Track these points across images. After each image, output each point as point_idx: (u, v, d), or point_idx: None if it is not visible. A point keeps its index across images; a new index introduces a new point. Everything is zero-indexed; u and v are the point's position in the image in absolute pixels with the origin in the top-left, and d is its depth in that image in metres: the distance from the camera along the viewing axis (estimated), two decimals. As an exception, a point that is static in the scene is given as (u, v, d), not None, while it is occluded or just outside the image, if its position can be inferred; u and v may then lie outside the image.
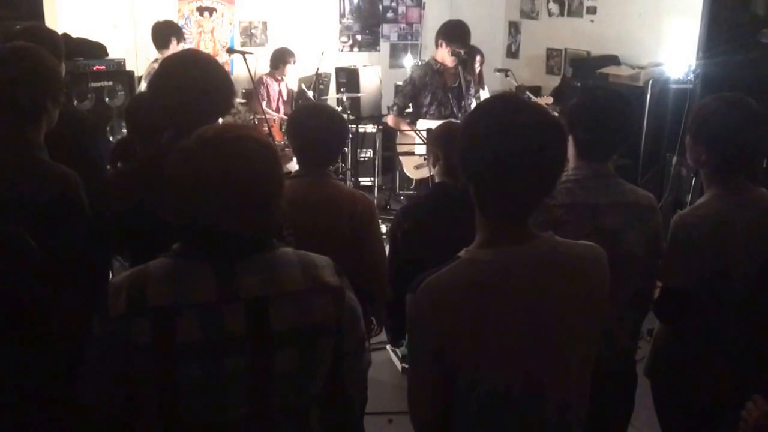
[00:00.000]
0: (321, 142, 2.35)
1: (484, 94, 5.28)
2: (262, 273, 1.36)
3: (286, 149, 5.62)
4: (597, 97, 2.12)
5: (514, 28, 7.74)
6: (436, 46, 4.32)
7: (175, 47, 5.02)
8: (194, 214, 1.32)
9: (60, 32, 5.26)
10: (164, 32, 5.17)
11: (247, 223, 1.34)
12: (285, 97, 6.28)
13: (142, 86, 5.17)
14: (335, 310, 1.40)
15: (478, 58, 5.18)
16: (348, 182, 5.64)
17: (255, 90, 5.31)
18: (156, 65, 4.97)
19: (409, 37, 7.70)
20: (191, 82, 1.97)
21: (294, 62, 6.14)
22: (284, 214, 1.45)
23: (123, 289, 1.34)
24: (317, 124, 2.36)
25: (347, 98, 6.11)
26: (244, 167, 1.31)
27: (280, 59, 6.08)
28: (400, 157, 4.63)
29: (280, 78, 6.17)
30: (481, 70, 5.25)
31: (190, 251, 1.37)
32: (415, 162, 4.51)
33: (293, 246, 1.47)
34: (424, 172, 4.47)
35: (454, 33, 4.22)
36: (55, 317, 1.69)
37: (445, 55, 4.26)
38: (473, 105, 4.47)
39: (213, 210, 1.30)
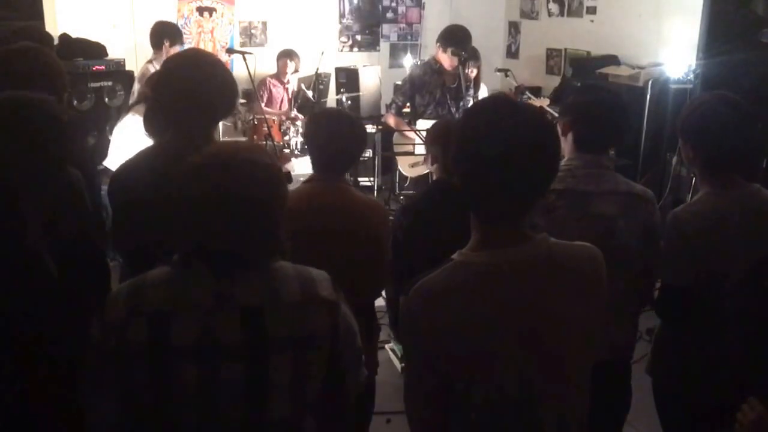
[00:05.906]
0: (341, 148, 2.35)
1: (482, 95, 5.26)
2: (260, 284, 1.38)
3: (285, 150, 5.63)
4: (596, 93, 2.16)
5: (513, 28, 7.73)
6: (436, 49, 4.38)
7: (167, 49, 5.01)
8: (199, 231, 1.35)
9: (59, 32, 5.31)
10: (159, 33, 5.18)
11: (249, 243, 1.36)
12: (289, 96, 6.27)
13: (135, 87, 5.15)
14: (330, 322, 1.42)
15: (470, 63, 5.09)
16: (347, 182, 5.62)
17: (255, 90, 5.30)
18: (150, 66, 4.99)
19: (409, 37, 7.69)
20: (193, 82, 1.94)
21: (298, 63, 6.13)
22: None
23: (121, 295, 1.37)
24: (338, 130, 2.35)
25: (347, 98, 6.10)
26: (253, 190, 1.33)
27: (285, 59, 6.07)
28: (396, 156, 4.63)
29: (285, 80, 6.16)
30: (477, 75, 5.15)
31: (190, 261, 1.38)
32: (411, 160, 4.51)
33: (290, 252, 1.48)
34: (419, 170, 4.47)
35: (453, 38, 4.27)
36: (59, 323, 1.69)
37: (444, 59, 4.31)
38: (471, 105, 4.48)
39: (218, 229, 1.33)
